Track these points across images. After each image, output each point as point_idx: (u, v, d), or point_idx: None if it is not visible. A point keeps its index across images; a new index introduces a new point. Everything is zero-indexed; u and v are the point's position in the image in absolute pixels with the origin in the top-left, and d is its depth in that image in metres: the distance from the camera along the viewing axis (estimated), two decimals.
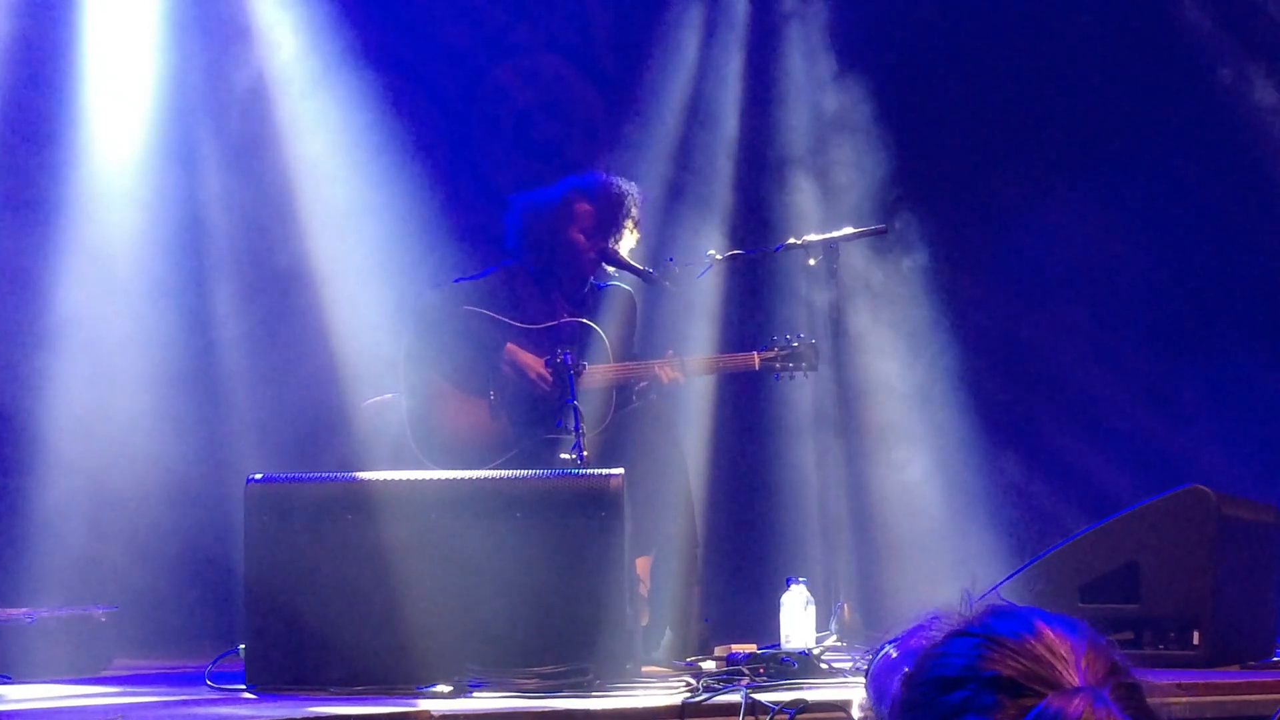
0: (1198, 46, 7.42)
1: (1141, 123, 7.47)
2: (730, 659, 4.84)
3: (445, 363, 5.87)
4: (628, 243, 6.05)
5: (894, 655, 1.61)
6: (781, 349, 6.02)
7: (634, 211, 6.02)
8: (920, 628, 1.58)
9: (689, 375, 6.04)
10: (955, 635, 1.50)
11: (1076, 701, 1.41)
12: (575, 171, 6.26)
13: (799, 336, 6.08)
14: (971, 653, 1.46)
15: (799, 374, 6.06)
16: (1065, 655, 1.45)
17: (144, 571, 6.71)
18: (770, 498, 7.40)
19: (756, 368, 6.05)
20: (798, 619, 5.32)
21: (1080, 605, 5.05)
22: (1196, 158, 7.38)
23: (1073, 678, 1.44)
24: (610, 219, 5.97)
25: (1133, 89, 7.50)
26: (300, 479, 4.98)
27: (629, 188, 6.06)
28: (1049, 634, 1.47)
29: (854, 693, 4.11)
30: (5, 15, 6.85)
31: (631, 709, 4.14)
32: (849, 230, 6.40)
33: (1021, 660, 1.45)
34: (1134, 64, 7.49)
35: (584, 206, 5.98)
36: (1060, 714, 1.40)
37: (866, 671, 1.67)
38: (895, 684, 1.55)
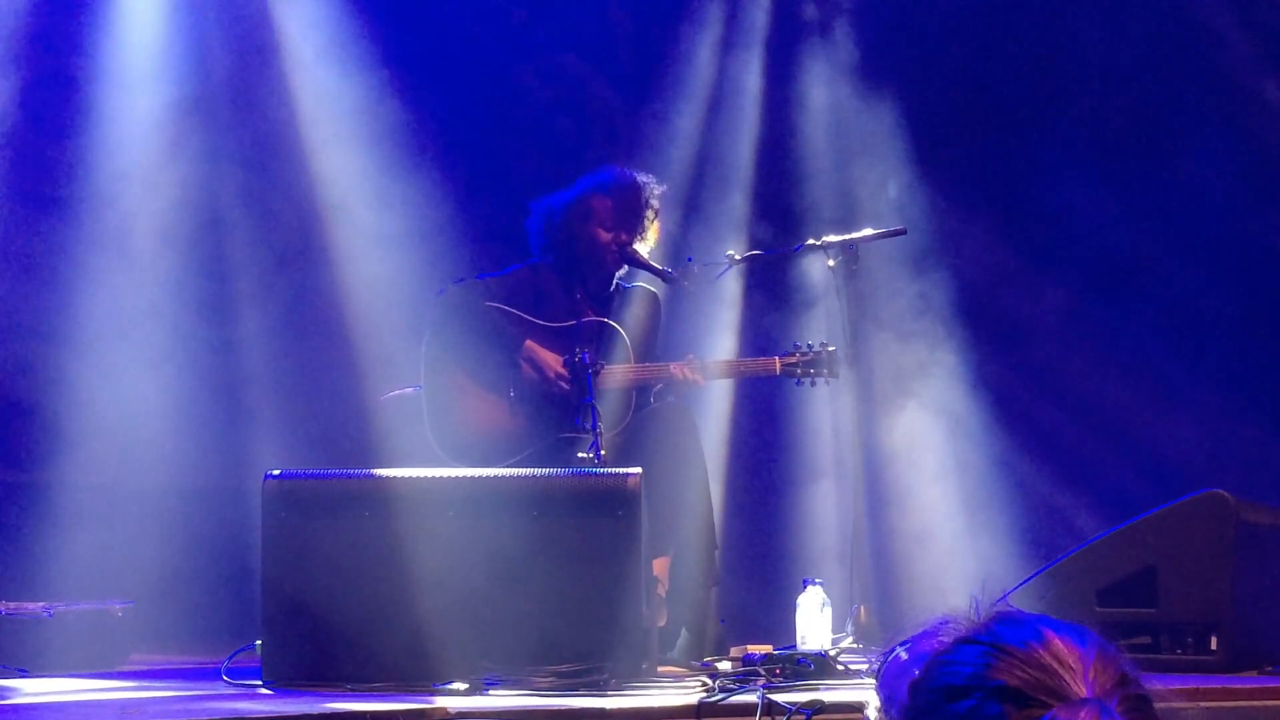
0: (1226, 52, 7.39)
1: (1167, 129, 7.45)
2: (746, 659, 4.84)
3: (465, 358, 5.87)
4: (652, 235, 6.03)
5: (904, 658, 1.60)
6: (803, 355, 6.00)
7: (653, 202, 6.00)
8: (929, 632, 1.57)
9: (709, 378, 6.03)
10: (963, 642, 1.49)
11: (1083, 713, 1.39)
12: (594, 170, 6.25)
13: (820, 342, 6.05)
14: (978, 661, 1.45)
15: (819, 380, 6.04)
16: (1073, 665, 1.44)
17: (161, 566, 6.73)
18: (787, 499, 7.40)
19: (778, 373, 6.03)
20: (814, 620, 5.32)
21: (1097, 609, 5.04)
22: (1222, 164, 7.35)
23: (1080, 688, 1.43)
24: (630, 211, 5.96)
25: (1158, 95, 7.47)
26: (318, 475, 4.98)
27: (646, 178, 6.04)
28: (1057, 643, 1.45)
29: (870, 694, 4.10)
30: (26, 12, 6.87)
31: (647, 708, 4.14)
32: (869, 231, 6.39)
33: (1028, 670, 1.43)
34: (1160, 70, 7.47)
35: (602, 201, 5.98)
36: None
37: (877, 673, 1.66)
38: (903, 689, 1.54)
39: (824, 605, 5.35)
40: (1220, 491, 5.07)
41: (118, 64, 6.97)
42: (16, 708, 4.30)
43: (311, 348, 7.22)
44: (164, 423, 6.93)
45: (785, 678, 4.52)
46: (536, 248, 6.08)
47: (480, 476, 4.99)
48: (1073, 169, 7.48)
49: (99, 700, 4.57)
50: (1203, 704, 4.11)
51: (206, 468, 7.00)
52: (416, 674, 4.61)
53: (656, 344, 6.12)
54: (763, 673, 4.58)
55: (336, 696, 4.36)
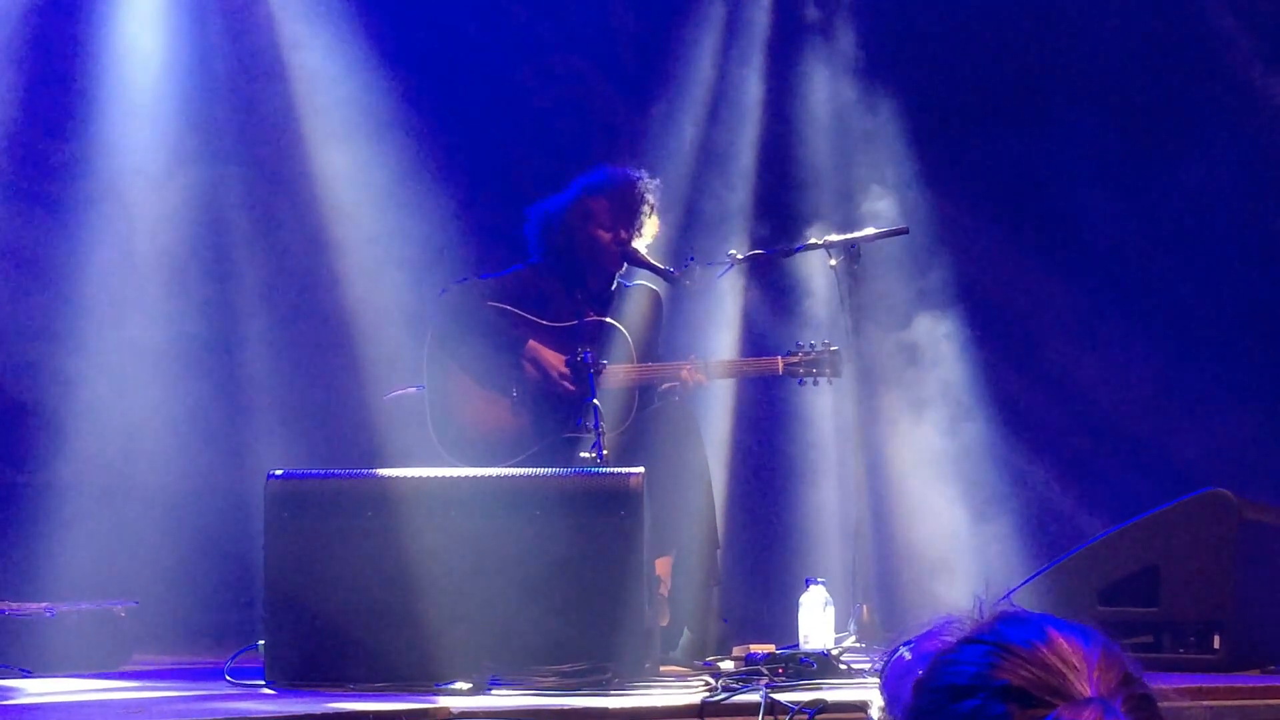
0: (1230, 51, 7.39)
1: (1169, 129, 7.44)
2: (749, 659, 4.84)
3: (467, 357, 5.87)
4: (650, 230, 6.03)
5: (908, 657, 1.60)
6: (805, 354, 5.99)
7: (649, 197, 5.99)
8: (933, 631, 1.57)
9: (711, 378, 6.03)
10: (967, 642, 1.48)
11: (1087, 713, 1.39)
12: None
13: (823, 342, 6.04)
14: (982, 661, 1.45)
15: (822, 379, 6.03)
16: (1077, 664, 1.43)
17: (164, 567, 6.73)
18: (790, 499, 7.39)
19: (780, 372, 6.03)
20: (816, 619, 5.31)
21: (1100, 608, 5.04)
22: (1225, 164, 7.35)
23: (1084, 688, 1.42)
24: (627, 209, 5.95)
25: (1161, 95, 7.47)
26: (321, 475, 4.99)
27: (639, 174, 6.03)
28: (1061, 642, 1.45)
29: (873, 694, 4.10)
30: (30, 12, 6.87)
31: (650, 708, 4.14)
32: (870, 231, 6.38)
33: (1032, 669, 1.43)
34: (1163, 70, 7.47)
35: (599, 202, 5.97)
36: None
37: (881, 672, 1.66)
38: (907, 689, 1.54)
39: (827, 604, 5.34)
40: (1222, 490, 5.07)
41: (120, 64, 6.97)
42: (19, 708, 4.30)
43: (314, 348, 7.22)
44: (166, 423, 6.94)
45: (788, 677, 4.52)
46: (537, 253, 6.07)
47: (483, 476, 4.99)
48: (1075, 168, 7.48)
49: (102, 700, 4.57)
50: (1206, 703, 4.11)
51: (209, 468, 7.00)
52: (419, 674, 4.61)
53: (658, 342, 6.12)
54: (765, 672, 4.57)
55: (339, 696, 4.36)
